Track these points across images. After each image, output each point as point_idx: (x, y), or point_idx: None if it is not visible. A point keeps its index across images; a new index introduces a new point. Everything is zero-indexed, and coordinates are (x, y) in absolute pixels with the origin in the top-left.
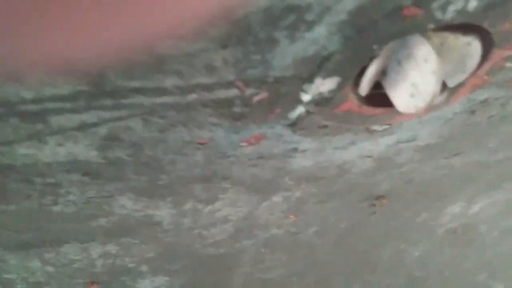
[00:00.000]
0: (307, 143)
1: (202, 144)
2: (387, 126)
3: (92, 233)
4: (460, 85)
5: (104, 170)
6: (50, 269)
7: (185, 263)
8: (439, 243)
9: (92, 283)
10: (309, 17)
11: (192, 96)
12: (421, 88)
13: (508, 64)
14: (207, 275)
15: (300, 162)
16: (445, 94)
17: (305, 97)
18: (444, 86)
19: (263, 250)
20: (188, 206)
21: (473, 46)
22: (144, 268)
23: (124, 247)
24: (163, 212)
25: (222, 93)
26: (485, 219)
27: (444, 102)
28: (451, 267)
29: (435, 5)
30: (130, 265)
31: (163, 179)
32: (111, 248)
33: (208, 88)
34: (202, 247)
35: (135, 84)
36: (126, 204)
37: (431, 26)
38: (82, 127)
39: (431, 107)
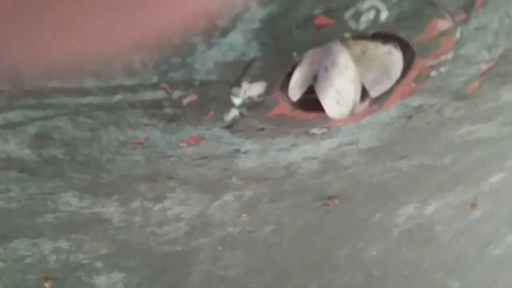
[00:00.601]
0: (248, 145)
1: (139, 144)
2: (325, 130)
3: (40, 229)
4: (389, 92)
5: (41, 168)
6: (1, 264)
7: (141, 260)
8: (396, 242)
9: (46, 278)
10: (220, 23)
11: (118, 97)
12: (344, 95)
13: (433, 73)
14: (165, 272)
15: (245, 163)
16: (368, 102)
17: (236, 101)
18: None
19: (220, 248)
20: (136, 204)
21: (394, 55)
22: (98, 264)
23: (76, 243)
24: (111, 210)
25: (148, 95)
26: (440, 220)
27: (377, 109)
28: (409, 266)
29: (347, 15)
30: (84, 261)
31: (104, 177)
32: (63, 244)
33: (132, 89)
34: (156, 244)
35: (54, 84)
36: (71, 201)
37: (347, 35)
38: (9, 126)
39: (356, 115)
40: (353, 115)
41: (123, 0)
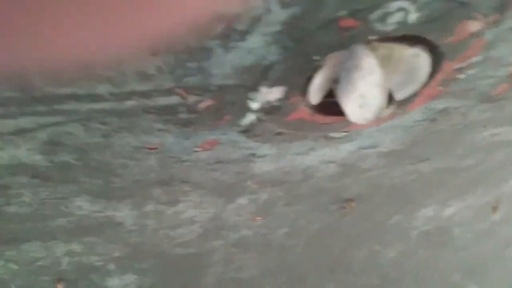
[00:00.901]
0: (265, 149)
1: (152, 149)
2: (345, 133)
3: (53, 232)
4: (414, 95)
5: (53, 173)
6: (14, 266)
7: (154, 262)
8: (413, 244)
9: (59, 280)
10: (239, 26)
11: (131, 103)
12: (369, 99)
13: (460, 76)
14: (178, 274)
15: (261, 167)
16: (394, 107)
17: (254, 105)
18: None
19: (233, 250)
20: (149, 208)
21: (422, 57)
22: (111, 266)
23: (89, 246)
24: (124, 214)
25: (163, 100)
26: (459, 222)
27: (400, 113)
28: (426, 268)
29: (373, 16)
30: (97, 264)
31: (117, 182)
32: (75, 246)
33: (146, 95)
34: (170, 247)
35: (65, 90)
36: (84, 206)
37: (373, 37)
38: (19, 132)
39: (380, 119)
40: (378, 120)
41: (136, 4)
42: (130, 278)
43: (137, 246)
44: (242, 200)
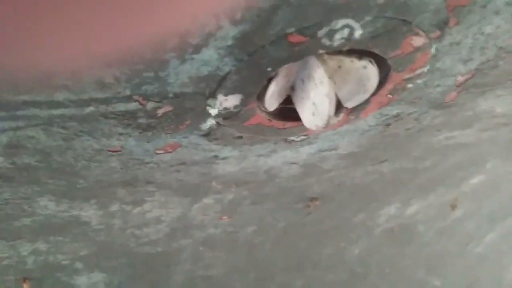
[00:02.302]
0: (227, 151)
1: (114, 151)
2: (304, 137)
3: (17, 231)
4: (366, 103)
5: (16, 174)
6: None
7: (122, 261)
8: (378, 241)
9: (25, 279)
10: (193, 40)
11: (90, 109)
12: (319, 108)
13: (410, 85)
14: (146, 272)
15: (224, 168)
16: (343, 115)
17: (212, 111)
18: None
19: (201, 248)
20: (114, 207)
21: (369, 69)
22: (79, 265)
23: (55, 245)
24: (89, 213)
25: (122, 106)
26: (422, 220)
27: (354, 118)
28: (391, 264)
29: (320, 33)
30: (64, 262)
31: (81, 183)
32: (41, 246)
33: (105, 101)
34: (137, 245)
35: (24, 97)
36: (48, 205)
37: (322, 51)
38: None
39: (330, 126)
40: (327, 127)
41: (92, 16)
42: (98, 276)
43: (104, 245)
44: (208, 200)
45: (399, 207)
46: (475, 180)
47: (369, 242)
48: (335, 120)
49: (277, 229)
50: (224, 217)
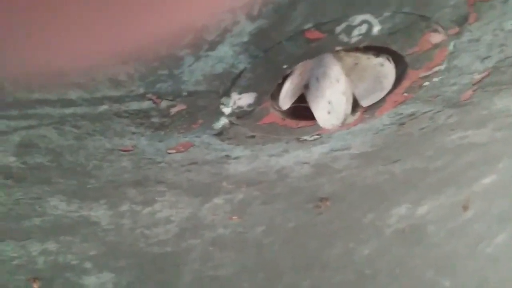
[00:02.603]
0: (238, 151)
1: (126, 151)
2: (317, 137)
3: (27, 231)
4: (381, 101)
5: (27, 174)
6: None
7: (131, 261)
8: (388, 242)
9: (35, 279)
10: (208, 36)
11: (103, 107)
12: (335, 106)
13: (425, 83)
14: (155, 272)
15: (236, 168)
16: (359, 113)
17: (226, 110)
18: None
19: (211, 248)
20: (124, 207)
21: (386, 66)
22: (88, 265)
23: (64, 245)
24: (99, 213)
25: (135, 105)
26: (432, 220)
27: (369, 117)
28: (400, 265)
29: (338, 29)
30: (73, 262)
31: (92, 183)
32: (51, 246)
33: (118, 100)
34: (147, 245)
35: (37, 96)
36: (59, 205)
37: (339, 48)
38: None
39: (346, 125)
40: (343, 126)
41: (106, 12)
42: (107, 276)
43: (113, 245)
44: (218, 200)
45: (410, 208)
46: (486, 180)
47: (379, 243)
48: (351, 119)
49: (287, 229)
50: (234, 217)
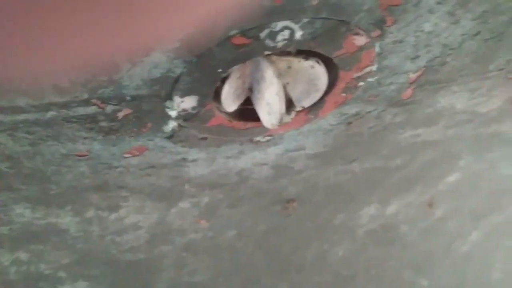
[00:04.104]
0: (194, 153)
1: (82, 156)
2: (269, 138)
3: None
4: (321, 102)
5: None
6: None
7: (104, 268)
8: (362, 242)
9: None
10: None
11: (52, 113)
12: (273, 107)
13: (361, 83)
14: (130, 280)
15: (196, 171)
16: (294, 113)
17: (172, 113)
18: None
19: (184, 254)
20: (90, 214)
21: (317, 68)
22: (62, 274)
23: (36, 254)
24: (66, 220)
25: (81, 110)
26: (404, 219)
27: (313, 118)
28: (377, 265)
29: (262, 34)
30: (47, 272)
31: (54, 188)
32: (22, 255)
33: (64, 106)
34: (118, 252)
35: None
36: (24, 213)
37: (268, 52)
38: None
39: (284, 125)
40: (282, 125)
41: (45, 28)
42: (81, 285)
43: (85, 253)
44: (184, 204)
45: (379, 207)
46: (451, 178)
47: (353, 244)
48: (288, 118)
49: (257, 233)
50: (202, 221)
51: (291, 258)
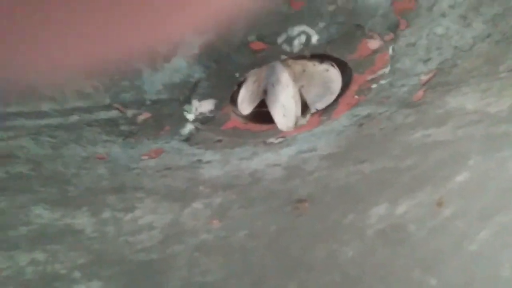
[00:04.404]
0: (209, 155)
1: (101, 158)
2: (282, 139)
3: (14, 241)
4: (335, 104)
5: (10, 184)
6: None
7: (118, 268)
8: (371, 243)
9: None
10: (162, 50)
11: (74, 117)
12: (288, 110)
13: (374, 85)
14: (143, 280)
15: (210, 172)
16: (310, 116)
17: (189, 116)
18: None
19: (196, 254)
20: (106, 215)
21: (331, 71)
22: (76, 274)
23: (52, 254)
24: (83, 221)
25: (103, 114)
26: (412, 219)
27: (326, 119)
28: (386, 265)
29: (279, 40)
30: (62, 272)
31: (72, 190)
32: (39, 255)
33: (87, 110)
34: (132, 253)
35: (12, 109)
36: (43, 214)
37: (284, 57)
38: None
39: (300, 127)
40: (297, 127)
41: (68, 32)
42: (96, 285)
43: (100, 253)
44: (197, 205)
45: (388, 207)
46: (460, 178)
47: (362, 244)
48: (303, 121)
49: (269, 233)
50: (214, 222)
51: (301, 258)
